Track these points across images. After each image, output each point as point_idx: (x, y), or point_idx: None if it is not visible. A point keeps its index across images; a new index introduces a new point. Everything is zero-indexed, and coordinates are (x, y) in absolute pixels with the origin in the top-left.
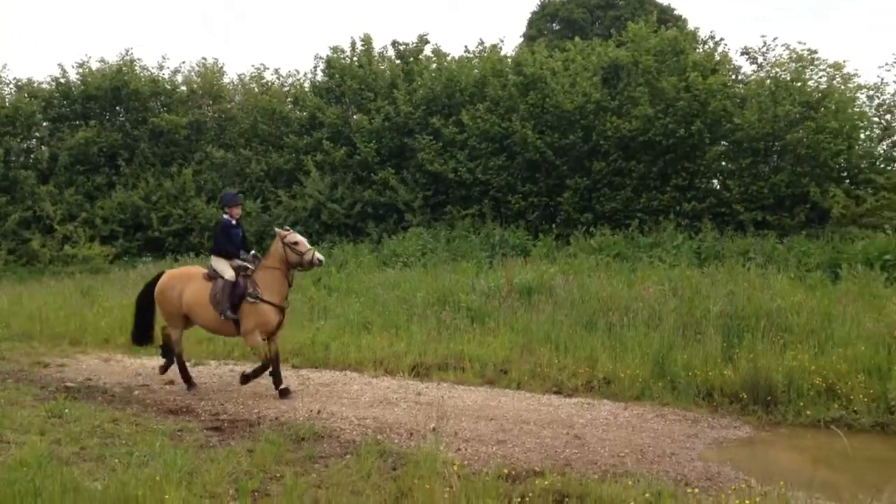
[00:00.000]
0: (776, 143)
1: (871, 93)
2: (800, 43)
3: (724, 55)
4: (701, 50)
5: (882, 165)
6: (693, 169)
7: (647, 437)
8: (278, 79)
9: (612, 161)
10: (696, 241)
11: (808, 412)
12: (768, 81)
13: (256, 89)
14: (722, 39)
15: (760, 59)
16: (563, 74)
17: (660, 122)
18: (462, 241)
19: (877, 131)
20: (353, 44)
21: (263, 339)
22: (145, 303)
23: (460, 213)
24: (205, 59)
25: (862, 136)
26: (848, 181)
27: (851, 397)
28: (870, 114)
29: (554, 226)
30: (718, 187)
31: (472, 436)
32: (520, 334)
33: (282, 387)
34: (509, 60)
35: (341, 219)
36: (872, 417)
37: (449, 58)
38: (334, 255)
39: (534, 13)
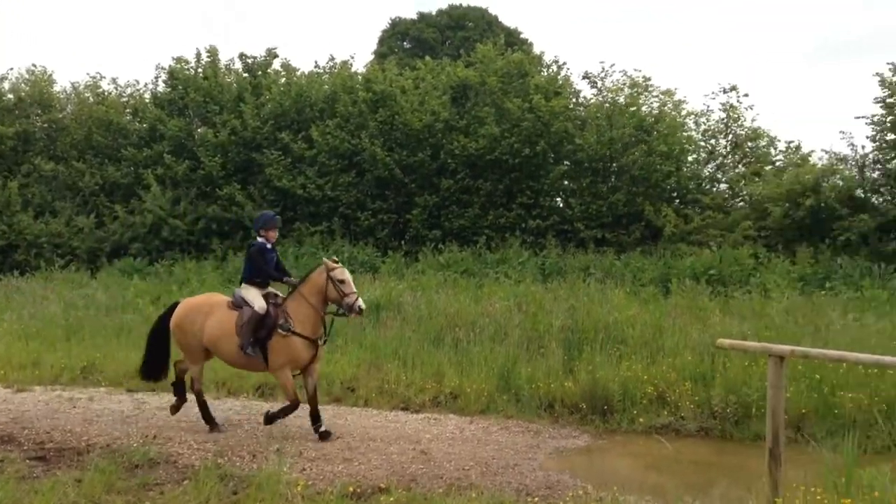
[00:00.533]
0: (613, 164)
1: (698, 119)
2: (636, 70)
3: (567, 79)
4: (545, 73)
5: (707, 186)
6: (537, 188)
7: (491, 449)
8: (116, 88)
9: (460, 179)
10: (541, 258)
11: (641, 419)
12: (606, 105)
13: (91, 99)
14: (565, 64)
15: (599, 84)
16: (413, 93)
17: (506, 141)
18: (310, 258)
19: (703, 155)
20: (199, 55)
21: (296, 375)
22: (160, 336)
23: (309, 229)
24: (34, 65)
25: (690, 158)
26: (678, 201)
27: (679, 404)
28: (696, 138)
29: (403, 243)
30: (561, 205)
31: (317, 455)
32: (367, 351)
33: (322, 429)
34: (360, 77)
35: (183, 235)
36: (698, 423)
37: (299, 73)
38: (175, 274)
39: (385, 31)
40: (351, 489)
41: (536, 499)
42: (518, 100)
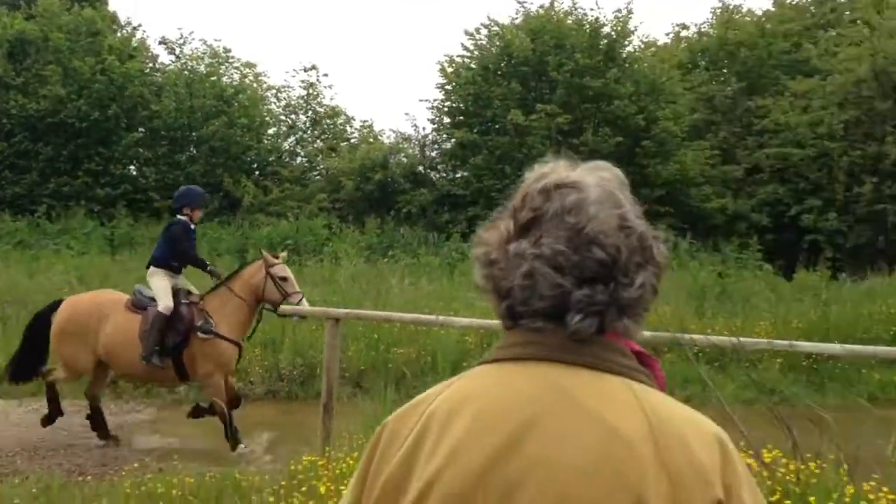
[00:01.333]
0: (193, 134)
1: (279, 94)
2: (216, 40)
3: (143, 42)
4: (119, 34)
5: (287, 160)
6: (108, 154)
7: (41, 432)
8: None
9: (17, 142)
10: (109, 228)
11: None
12: (186, 73)
13: None
14: (140, 26)
15: (178, 51)
16: None
17: (73, 103)
18: None
19: (283, 129)
20: None
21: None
22: (37, 336)
23: None
24: None
25: (270, 132)
26: (257, 173)
27: (249, 370)
28: (277, 112)
29: None
30: (135, 174)
31: None
32: None
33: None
34: None
35: None
36: (266, 386)
37: None
38: None
39: None
40: None
41: (89, 477)
42: (90, 59)
